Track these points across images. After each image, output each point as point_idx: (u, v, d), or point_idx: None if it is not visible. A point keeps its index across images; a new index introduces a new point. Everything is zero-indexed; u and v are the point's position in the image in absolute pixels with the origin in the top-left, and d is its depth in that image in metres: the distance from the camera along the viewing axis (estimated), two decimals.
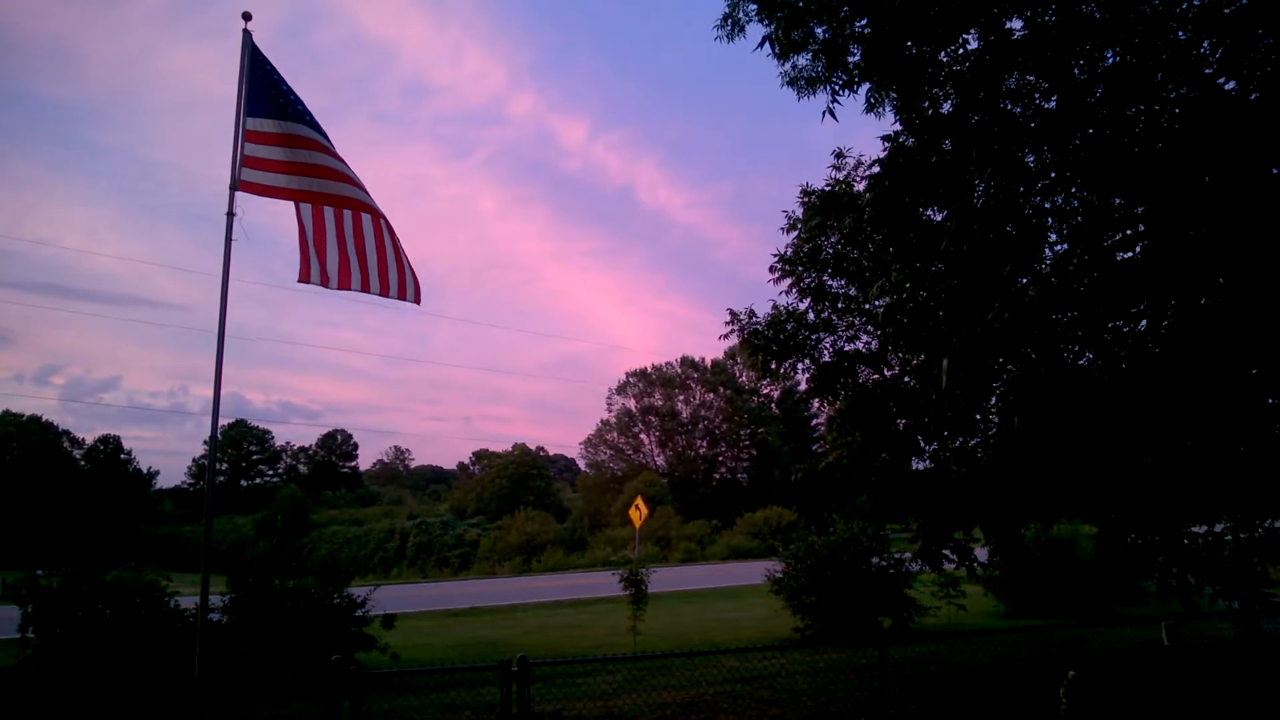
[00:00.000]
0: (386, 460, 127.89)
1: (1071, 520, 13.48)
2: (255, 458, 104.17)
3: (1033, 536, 19.61)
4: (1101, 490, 8.69)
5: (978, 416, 10.46)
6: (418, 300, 7.27)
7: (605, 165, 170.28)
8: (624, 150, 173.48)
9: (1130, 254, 7.30)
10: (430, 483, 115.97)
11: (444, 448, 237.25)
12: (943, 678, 13.45)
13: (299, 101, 6.95)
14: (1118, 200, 6.55)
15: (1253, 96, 6.46)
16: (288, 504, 71.65)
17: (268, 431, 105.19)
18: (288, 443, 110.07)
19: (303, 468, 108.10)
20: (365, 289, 6.72)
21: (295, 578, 14.49)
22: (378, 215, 6.96)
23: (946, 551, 11.97)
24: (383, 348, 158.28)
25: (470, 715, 11.05)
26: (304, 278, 6.77)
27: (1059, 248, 7.92)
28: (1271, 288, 5.36)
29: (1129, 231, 7.22)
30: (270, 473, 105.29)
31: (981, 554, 12.90)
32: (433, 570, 54.34)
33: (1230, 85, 7.22)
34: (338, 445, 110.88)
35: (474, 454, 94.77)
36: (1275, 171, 6.13)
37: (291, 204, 6.89)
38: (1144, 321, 8.75)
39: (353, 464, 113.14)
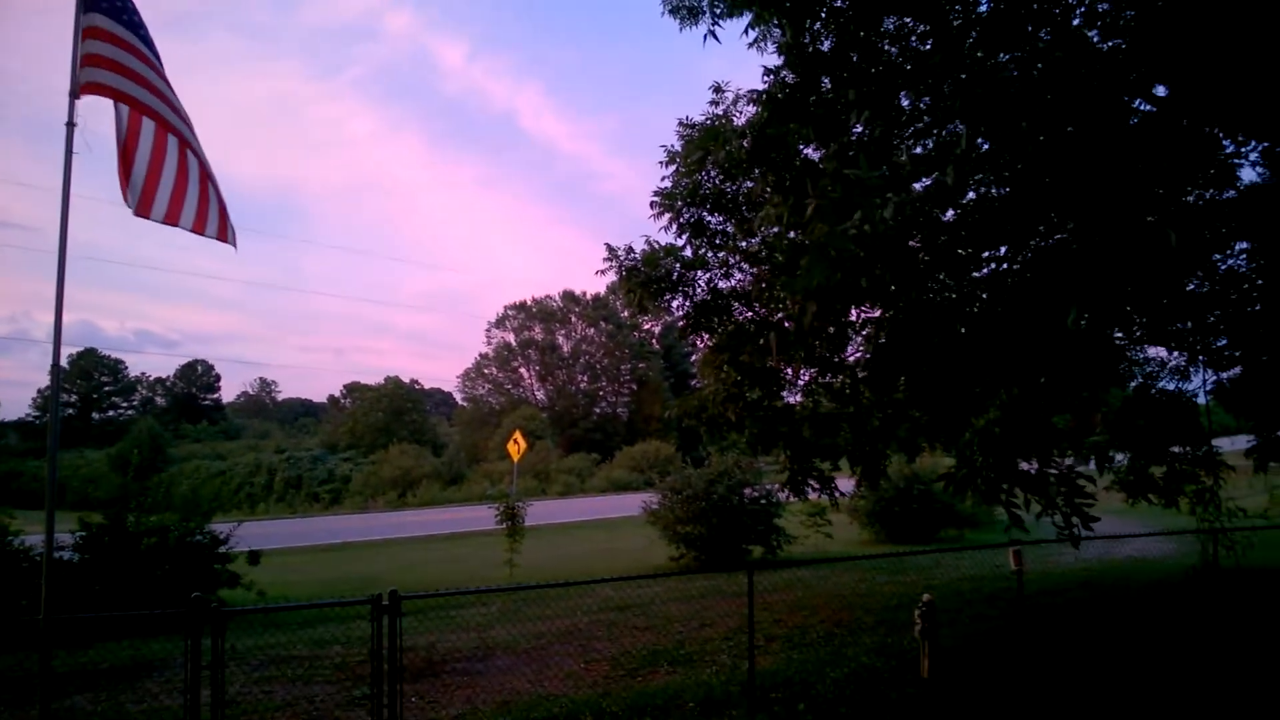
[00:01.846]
0: (252, 392, 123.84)
1: (932, 451, 14.12)
2: (108, 389, 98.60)
3: (896, 469, 20.57)
4: (955, 422, 9.11)
5: (839, 356, 10.79)
6: (234, 242, 6.79)
7: (486, 90, 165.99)
8: (506, 75, 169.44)
9: (991, 192, 7.60)
10: (299, 416, 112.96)
11: (314, 381, 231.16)
12: (809, 601, 14.03)
13: (136, 11, 6.46)
14: (985, 145, 6.76)
15: (1108, 44, 6.73)
16: (144, 438, 68.56)
17: (121, 361, 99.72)
18: (143, 373, 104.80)
19: (160, 400, 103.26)
20: (174, 222, 6.26)
21: (153, 514, 14.02)
22: (197, 152, 6.47)
23: (811, 481, 12.39)
24: (248, 274, 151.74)
25: (340, 651, 10.97)
26: (126, 199, 6.30)
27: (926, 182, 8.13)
28: (1114, 234, 5.66)
29: (994, 177, 7.47)
30: (125, 405, 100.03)
31: (849, 485, 13.40)
32: (303, 506, 53.17)
33: (1093, 34, 7.51)
34: (198, 377, 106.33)
35: (345, 387, 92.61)
36: (1128, 120, 6.43)
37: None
38: (1004, 264, 9.15)
39: (215, 396, 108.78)
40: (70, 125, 6.31)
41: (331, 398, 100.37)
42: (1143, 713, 7.75)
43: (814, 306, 4.60)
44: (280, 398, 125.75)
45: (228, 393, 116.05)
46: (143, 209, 6.32)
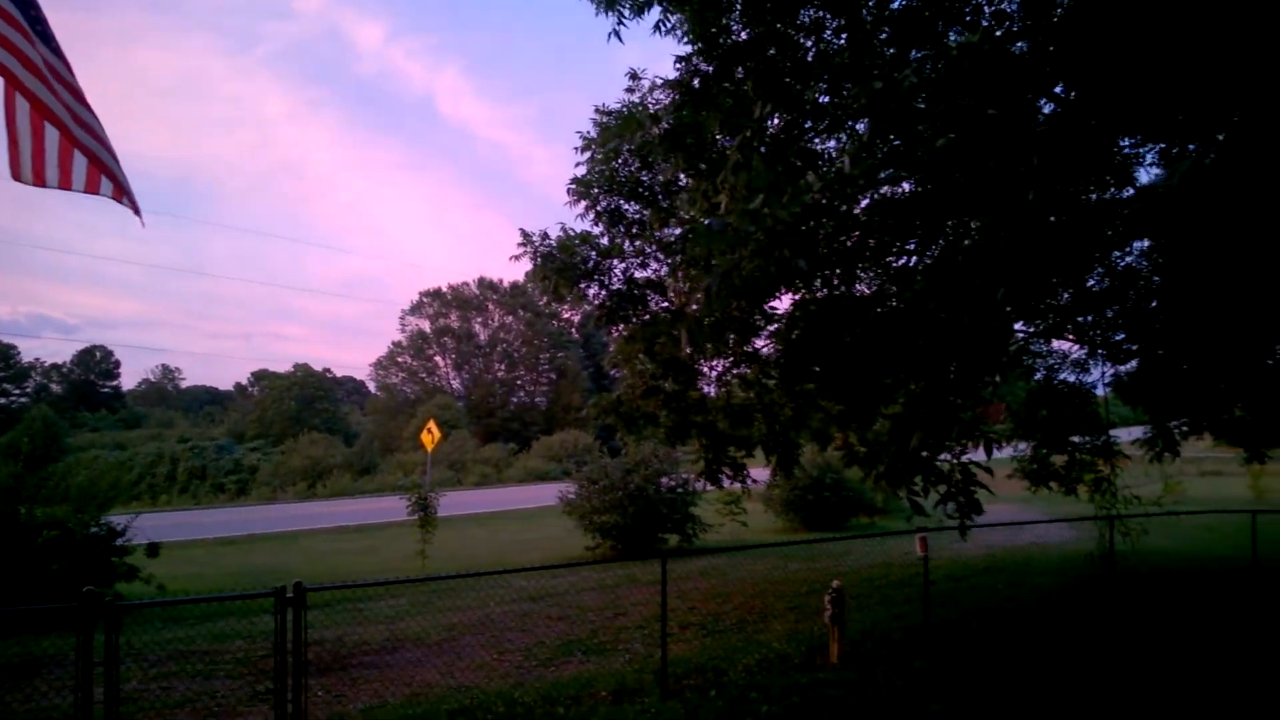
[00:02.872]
0: (154, 380, 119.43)
1: (845, 441, 14.42)
2: None
3: (809, 458, 20.94)
4: (865, 413, 9.32)
5: (751, 347, 10.91)
6: (137, 211, 6.40)
7: (405, 72, 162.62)
8: (425, 58, 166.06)
9: (899, 190, 7.75)
10: (205, 404, 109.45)
11: (221, 368, 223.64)
12: (723, 589, 14.20)
13: None
14: (893, 139, 6.89)
15: (1017, 47, 6.91)
16: (37, 426, 65.68)
17: (12, 346, 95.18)
18: (37, 359, 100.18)
19: (56, 387, 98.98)
20: (67, 186, 5.87)
21: (47, 506, 13.49)
22: (78, 115, 6.08)
23: (725, 470, 12.53)
24: (152, 257, 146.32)
25: (244, 645, 10.70)
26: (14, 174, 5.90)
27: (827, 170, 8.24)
28: (1017, 232, 5.82)
29: (904, 172, 7.60)
30: (17, 392, 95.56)
31: (765, 473, 13.59)
32: (208, 497, 51.54)
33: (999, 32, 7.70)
34: (97, 363, 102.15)
35: (254, 374, 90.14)
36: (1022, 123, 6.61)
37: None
38: (914, 258, 9.36)
39: (114, 383, 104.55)
40: None
41: (238, 385, 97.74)
42: (1048, 689, 8.02)
43: (723, 292, 4.63)
44: (184, 385, 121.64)
45: (128, 380, 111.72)
46: (17, 172, 5.94)
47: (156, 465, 59.11)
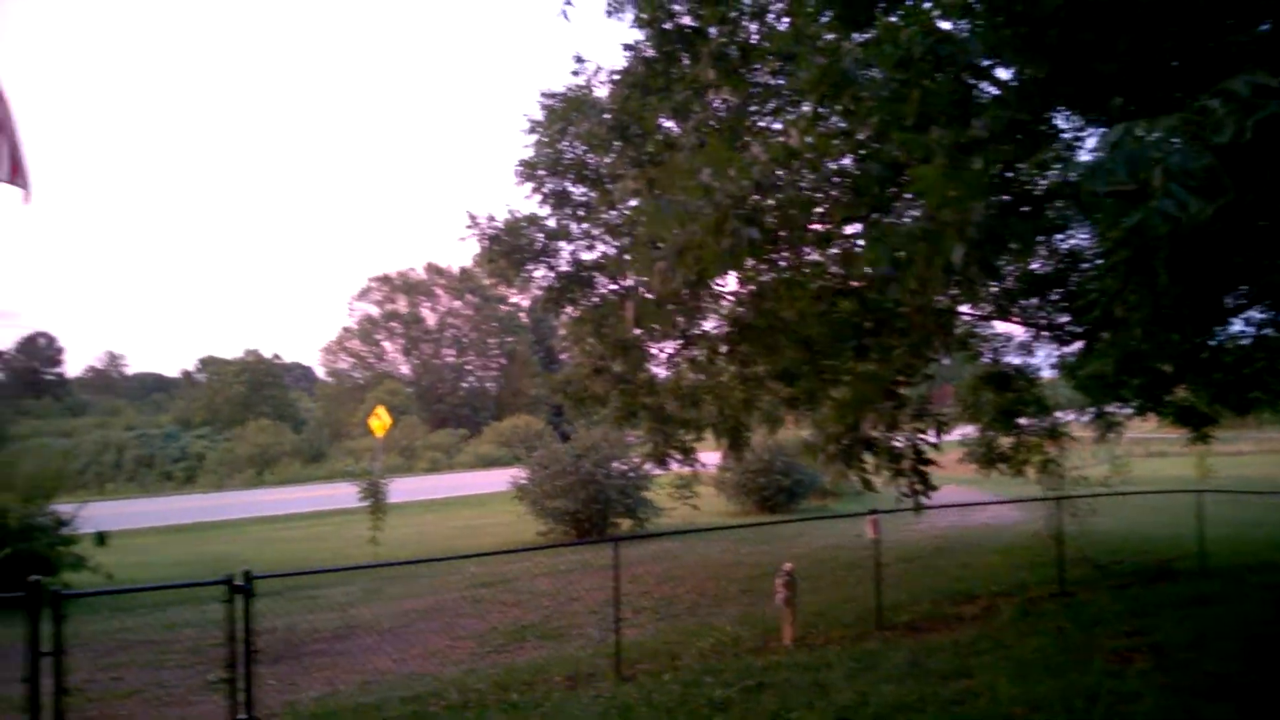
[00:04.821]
0: (99, 366, 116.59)
1: (796, 424, 14.54)
2: None
3: (760, 441, 21.06)
4: (812, 395, 9.37)
5: (699, 328, 10.93)
6: (25, 186, 6.07)
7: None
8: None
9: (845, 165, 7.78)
10: (150, 391, 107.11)
11: (165, 354, 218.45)
12: (675, 573, 14.26)
13: None
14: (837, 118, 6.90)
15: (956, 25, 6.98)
16: None
17: None
18: None
19: None
20: None
21: None
22: None
23: (673, 453, 12.55)
24: (93, 238, 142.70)
25: (194, 634, 10.54)
26: None
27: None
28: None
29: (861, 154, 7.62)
30: None
31: (716, 457, 13.67)
32: (155, 485, 50.61)
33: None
34: (40, 350, 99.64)
35: (200, 360, 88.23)
36: None
37: None
38: (859, 239, 9.41)
39: (58, 370, 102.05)
40: None
41: (186, 372, 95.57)
42: (999, 667, 8.14)
43: (676, 268, 4.60)
44: (130, 372, 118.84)
45: (73, 366, 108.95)
46: None
47: (103, 453, 57.86)
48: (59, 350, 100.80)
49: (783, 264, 7.92)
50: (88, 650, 9.80)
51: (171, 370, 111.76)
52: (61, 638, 5.93)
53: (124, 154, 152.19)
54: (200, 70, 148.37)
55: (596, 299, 11.83)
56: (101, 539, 14.14)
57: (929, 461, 8.51)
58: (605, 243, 12.08)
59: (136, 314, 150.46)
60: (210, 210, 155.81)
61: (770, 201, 5.29)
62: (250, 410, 64.81)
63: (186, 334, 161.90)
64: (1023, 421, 12.25)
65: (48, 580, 8.07)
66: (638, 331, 10.21)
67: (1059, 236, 9.82)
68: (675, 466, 13.15)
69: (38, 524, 13.23)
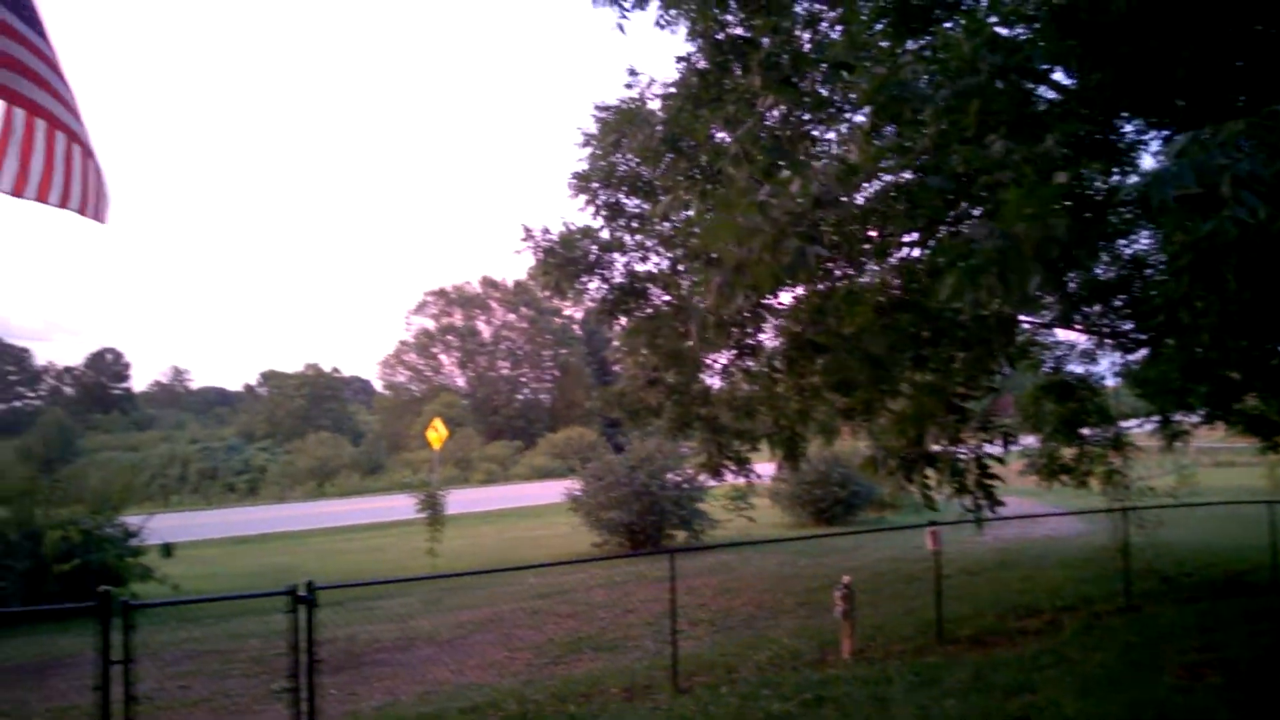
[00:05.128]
0: (164, 381, 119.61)
1: (853, 435, 14.39)
2: (12, 378, 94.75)
3: (816, 452, 20.86)
4: (869, 406, 9.26)
5: (756, 339, 10.86)
6: (102, 218, 6.30)
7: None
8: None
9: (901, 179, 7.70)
10: (214, 405, 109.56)
11: (229, 368, 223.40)
12: (732, 585, 14.18)
13: None
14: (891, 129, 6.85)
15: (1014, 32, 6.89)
16: (52, 429, 66.07)
17: (26, 350, 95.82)
18: (49, 362, 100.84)
19: (69, 389, 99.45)
20: (44, 199, 5.80)
21: (62, 507, 13.60)
22: (70, 128, 6.01)
23: (729, 464, 12.50)
24: (158, 255, 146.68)
25: (258, 644, 10.71)
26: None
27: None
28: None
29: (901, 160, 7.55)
30: (31, 395, 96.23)
31: (771, 469, 13.59)
32: (218, 497, 51.73)
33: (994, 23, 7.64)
34: (108, 365, 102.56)
35: (262, 374, 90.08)
36: None
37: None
38: (918, 248, 9.31)
39: (126, 385, 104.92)
40: None
41: (248, 386, 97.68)
42: (1069, 685, 7.97)
43: (733, 287, 4.59)
44: (194, 386, 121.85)
45: (139, 381, 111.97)
46: (16, 189, 5.91)
47: (168, 466, 59.34)
48: (126, 366, 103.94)
49: (840, 277, 7.87)
50: (156, 659, 10.00)
51: (234, 384, 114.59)
52: (131, 647, 6.07)
53: (190, 172, 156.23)
54: (261, 88, 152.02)
55: (650, 310, 11.83)
56: (168, 550, 14.43)
57: (994, 476, 8.35)
58: (660, 254, 12.09)
59: (200, 329, 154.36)
60: (271, 227, 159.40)
61: (828, 216, 5.26)
62: (310, 423, 66.06)
63: (248, 349, 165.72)
64: (1086, 432, 11.99)
65: (116, 591, 8.31)
66: (696, 344, 10.20)
67: (1121, 242, 9.62)
68: (730, 478, 13.06)
69: (106, 536, 13.49)
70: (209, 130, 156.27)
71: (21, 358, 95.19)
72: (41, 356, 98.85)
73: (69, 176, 5.81)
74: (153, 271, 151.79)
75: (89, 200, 5.85)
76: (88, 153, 5.74)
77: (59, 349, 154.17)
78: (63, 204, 5.96)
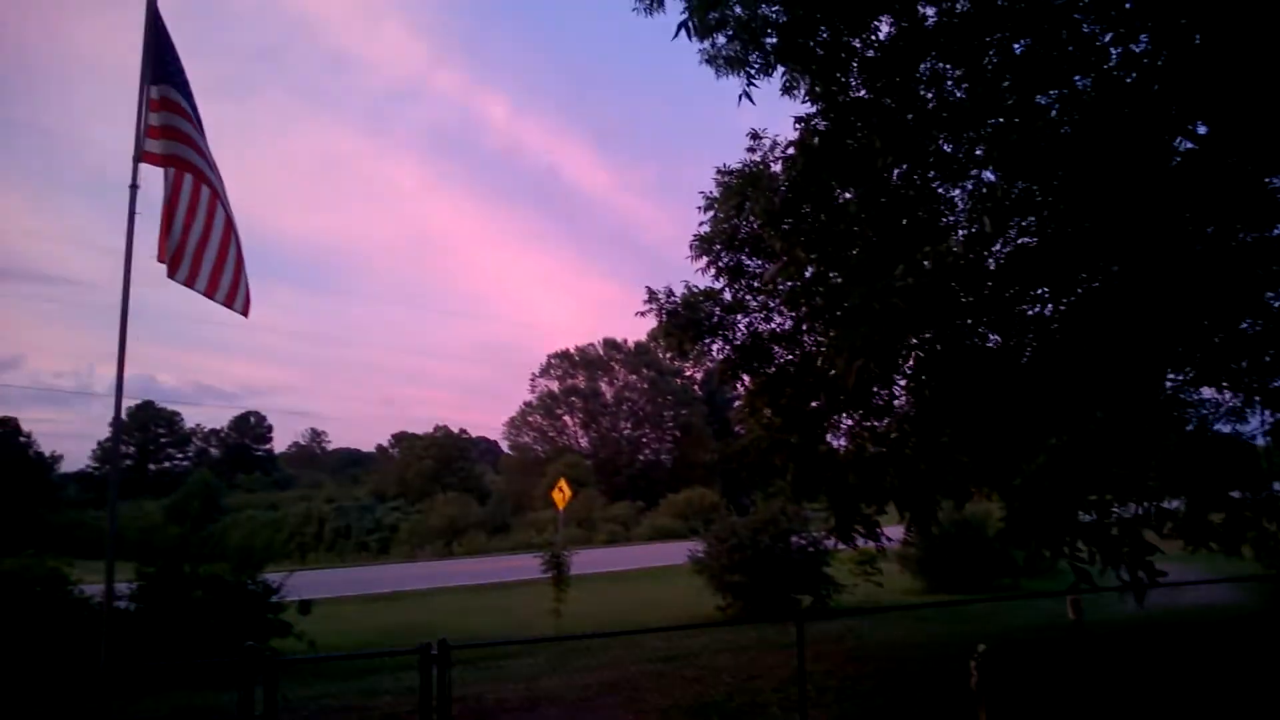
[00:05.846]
0: (303, 443, 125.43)
1: (985, 498, 13.90)
2: (164, 440, 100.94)
3: (947, 515, 20.21)
4: (1007, 468, 8.97)
5: (881, 400, 10.70)
6: (245, 311, 6.82)
7: (528, 145, 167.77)
8: (548, 129, 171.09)
9: (1032, 240, 7.53)
10: (348, 466, 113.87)
11: (363, 430, 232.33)
12: (860, 652, 13.78)
13: (183, 70, 6.67)
14: (1021, 185, 6.74)
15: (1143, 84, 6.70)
16: (199, 488, 69.71)
17: (177, 413, 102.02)
18: (198, 425, 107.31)
19: (214, 451, 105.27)
20: (191, 285, 6.31)
21: (208, 564, 14.19)
22: (225, 209, 6.55)
23: (858, 527, 12.24)
24: (301, 327, 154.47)
25: (390, 701, 10.96)
26: (160, 257, 6.39)
27: (965, 231, 8.10)
28: (1161, 275, 5.58)
29: (1033, 218, 7.42)
30: (180, 456, 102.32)
31: (898, 531, 13.22)
32: (351, 555, 53.40)
33: (1130, 77, 7.46)
34: (250, 427, 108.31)
35: (394, 436, 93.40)
36: (1164, 160, 6.37)
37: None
38: (1049, 305, 9.06)
39: (267, 446, 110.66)
40: (134, 188, 6.55)
41: (381, 447, 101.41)
42: None
43: (860, 362, 4.58)
44: (330, 447, 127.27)
45: (279, 443, 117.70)
46: (171, 270, 6.49)
47: (305, 525, 61.70)
48: (268, 428, 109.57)
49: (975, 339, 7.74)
50: (294, 714, 10.36)
51: (368, 446, 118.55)
52: (274, 702, 6.30)
53: (330, 248, 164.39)
54: (393, 157, 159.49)
55: (772, 369, 11.81)
56: (305, 607, 14.78)
57: (1151, 548, 7.92)
58: (783, 314, 12.09)
59: (337, 393, 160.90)
60: (402, 294, 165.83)
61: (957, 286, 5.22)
62: (439, 483, 67.72)
63: (381, 412, 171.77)
64: (1234, 494, 11.29)
65: (259, 646, 8.59)
66: (824, 407, 10.12)
67: (1270, 294, 9.16)
68: (861, 542, 12.78)
69: (249, 592, 13.88)
70: (347, 200, 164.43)
71: (172, 421, 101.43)
72: (190, 420, 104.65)
73: (221, 267, 6.32)
74: (294, 337, 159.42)
75: (235, 294, 6.35)
76: (239, 245, 6.22)
77: (206, 413, 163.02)
78: (228, 302, 6.46)
